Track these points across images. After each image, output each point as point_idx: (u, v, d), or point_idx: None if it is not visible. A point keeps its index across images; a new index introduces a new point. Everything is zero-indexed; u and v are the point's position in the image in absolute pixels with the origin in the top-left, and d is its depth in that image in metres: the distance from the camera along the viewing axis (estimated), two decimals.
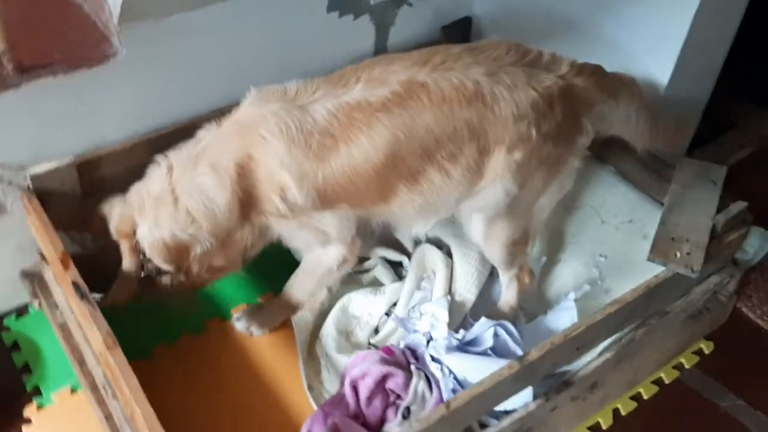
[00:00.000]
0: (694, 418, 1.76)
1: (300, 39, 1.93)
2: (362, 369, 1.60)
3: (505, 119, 1.50)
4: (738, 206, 1.67)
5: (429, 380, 1.62)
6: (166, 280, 1.66)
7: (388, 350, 1.66)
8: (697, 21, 1.73)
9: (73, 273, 1.46)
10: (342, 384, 1.65)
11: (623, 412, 1.75)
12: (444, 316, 1.71)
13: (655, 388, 1.81)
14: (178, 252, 1.59)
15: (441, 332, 1.68)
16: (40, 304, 1.83)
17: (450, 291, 1.81)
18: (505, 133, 1.51)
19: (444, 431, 1.39)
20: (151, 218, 1.57)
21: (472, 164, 1.53)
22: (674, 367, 1.85)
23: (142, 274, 1.65)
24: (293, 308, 1.81)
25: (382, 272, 1.90)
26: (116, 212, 1.60)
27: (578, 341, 1.47)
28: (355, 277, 1.91)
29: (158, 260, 1.60)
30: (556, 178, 1.64)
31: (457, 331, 1.69)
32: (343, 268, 1.73)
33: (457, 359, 1.62)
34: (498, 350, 1.65)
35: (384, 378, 1.60)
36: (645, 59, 1.87)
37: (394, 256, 1.93)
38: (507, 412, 1.53)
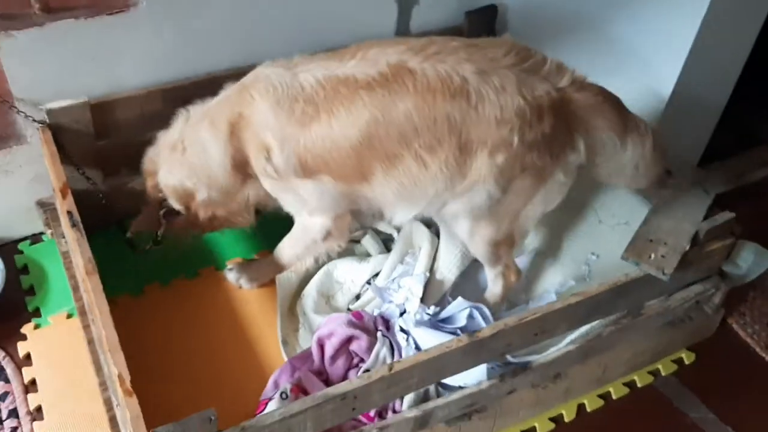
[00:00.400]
0: (660, 423, 1.75)
1: (321, 8, 1.98)
2: (329, 328, 1.66)
3: (488, 121, 1.47)
4: (724, 216, 1.64)
5: (393, 348, 1.67)
6: (179, 219, 1.81)
7: (358, 314, 1.71)
8: (707, 23, 1.70)
9: (69, 202, 1.57)
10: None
11: (588, 408, 1.75)
12: (419, 291, 1.75)
13: (625, 390, 1.80)
14: (186, 196, 1.74)
15: (413, 306, 1.73)
16: (52, 234, 1.96)
17: (432, 269, 1.85)
18: (488, 135, 1.49)
19: (387, 396, 1.43)
20: (166, 164, 1.72)
21: (451, 160, 1.51)
22: (650, 372, 1.84)
23: (162, 211, 1.81)
24: (280, 268, 1.88)
25: (369, 242, 1.96)
26: (148, 153, 1.77)
27: (534, 326, 1.48)
28: (347, 246, 1.97)
29: (171, 200, 1.77)
30: (540, 188, 1.60)
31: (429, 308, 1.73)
32: (329, 242, 1.78)
33: (424, 333, 1.66)
34: (469, 331, 1.68)
35: (349, 340, 1.66)
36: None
37: (384, 228, 1.98)
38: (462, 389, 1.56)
